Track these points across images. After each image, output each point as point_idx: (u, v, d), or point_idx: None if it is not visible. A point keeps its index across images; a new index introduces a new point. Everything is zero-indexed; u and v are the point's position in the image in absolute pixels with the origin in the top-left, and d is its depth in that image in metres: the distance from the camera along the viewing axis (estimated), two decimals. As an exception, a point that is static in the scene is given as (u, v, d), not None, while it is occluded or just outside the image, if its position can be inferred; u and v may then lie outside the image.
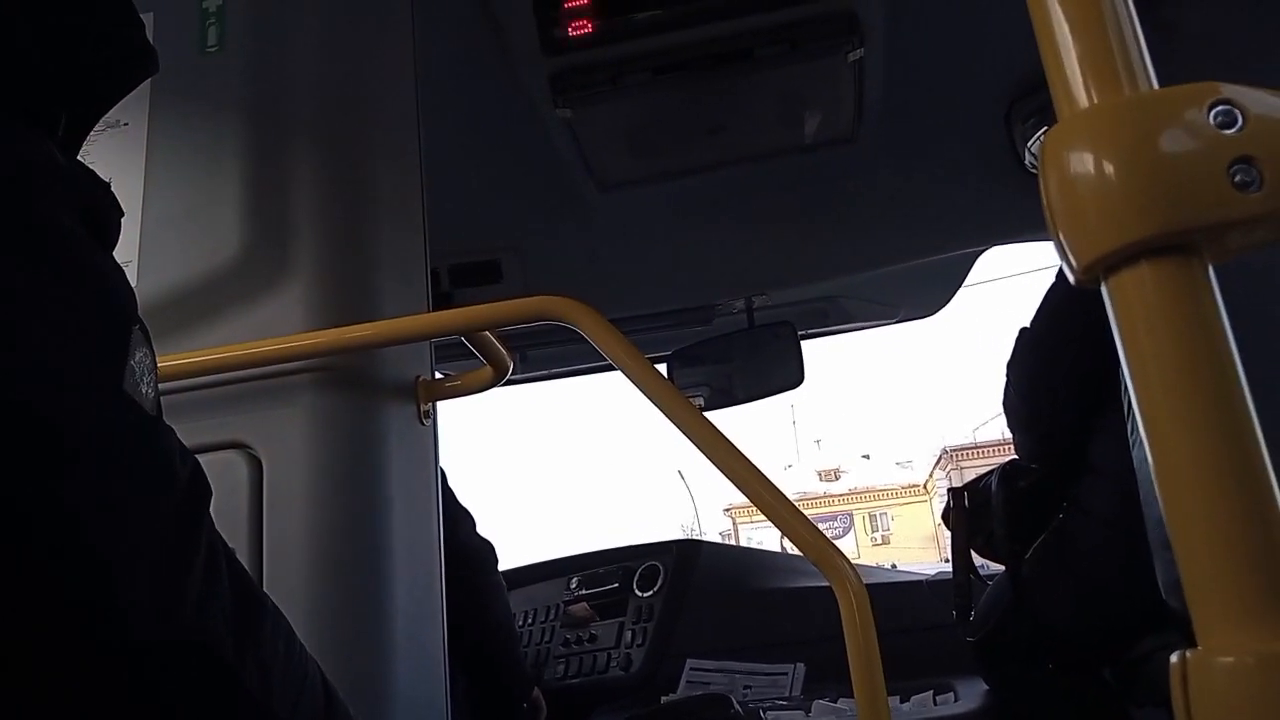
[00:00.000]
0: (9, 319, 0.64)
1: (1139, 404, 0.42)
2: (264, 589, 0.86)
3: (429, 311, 1.40)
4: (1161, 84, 0.43)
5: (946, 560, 2.17)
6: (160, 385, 0.76)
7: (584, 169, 2.16)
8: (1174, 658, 0.40)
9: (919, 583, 2.52)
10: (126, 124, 1.33)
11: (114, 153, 1.32)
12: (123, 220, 0.77)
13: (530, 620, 2.76)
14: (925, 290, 2.83)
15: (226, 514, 0.78)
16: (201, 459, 0.74)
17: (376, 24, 1.43)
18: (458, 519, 2.13)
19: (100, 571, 0.65)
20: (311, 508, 1.16)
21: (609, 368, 1.21)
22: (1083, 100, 0.43)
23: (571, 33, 1.75)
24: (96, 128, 0.97)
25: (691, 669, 2.45)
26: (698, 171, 2.23)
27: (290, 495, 1.17)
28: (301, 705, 0.78)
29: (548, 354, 2.77)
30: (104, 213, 0.72)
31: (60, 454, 0.64)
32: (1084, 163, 0.42)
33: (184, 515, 0.70)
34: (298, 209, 1.27)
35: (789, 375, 2.55)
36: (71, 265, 0.68)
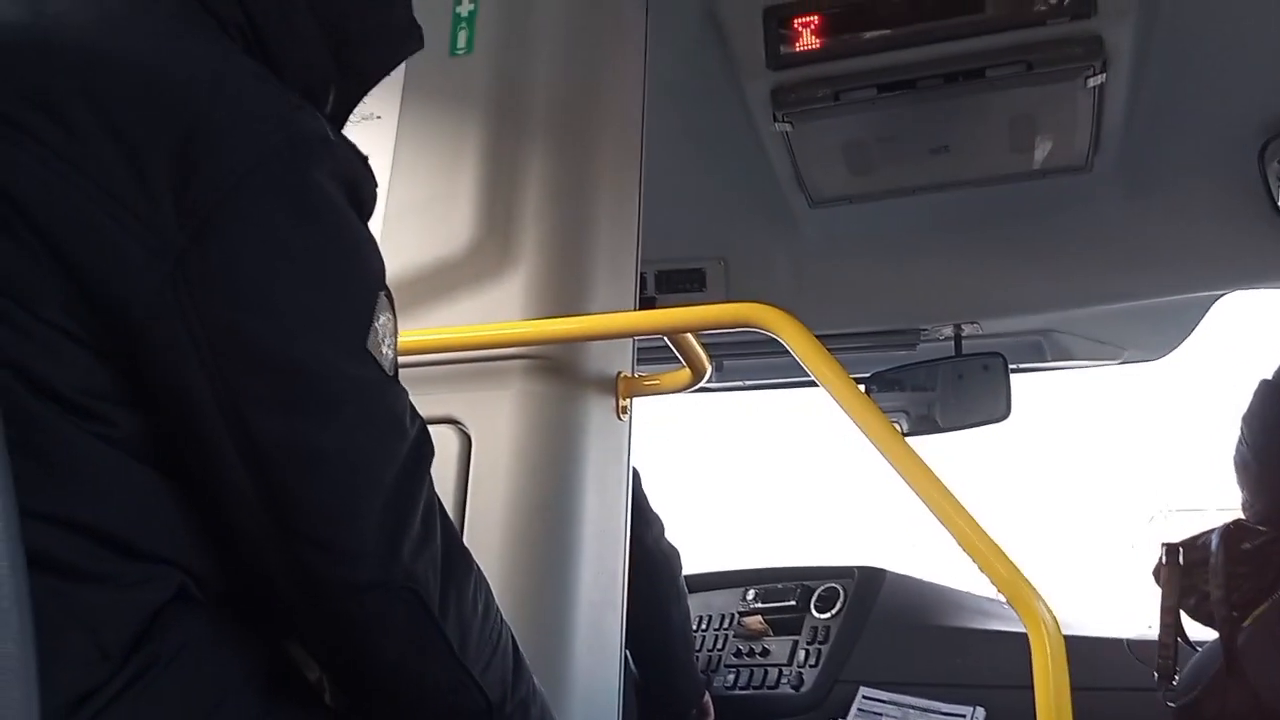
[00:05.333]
0: (281, 271, 0.71)
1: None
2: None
3: (635, 311, 1.45)
4: None
5: (1150, 626, 2.03)
6: None
7: (797, 183, 2.15)
8: None
9: (1119, 641, 2.36)
10: (379, 117, 1.44)
11: (366, 143, 1.42)
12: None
13: (704, 626, 2.77)
14: (1154, 332, 2.64)
15: (435, 483, 0.84)
16: None
17: (612, 35, 1.49)
18: (649, 522, 2.17)
19: (336, 513, 0.72)
20: (513, 485, 1.23)
21: (804, 384, 1.21)
22: None
23: (798, 48, 1.76)
24: (353, 119, 1.06)
25: (864, 697, 2.39)
26: (915, 192, 2.18)
27: (494, 472, 1.24)
28: (493, 666, 0.83)
29: (744, 365, 2.77)
30: (362, 185, 0.80)
31: (307, 400, 0.72)
32: None
33: (410, 469, 0.76)
34: (525, 205, 1.35)
35: (995, 408, 2.44)
36: (335, 229, 0.75)
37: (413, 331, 1.27)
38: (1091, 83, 1.74)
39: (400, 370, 0.82)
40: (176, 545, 0.72)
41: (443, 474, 1.23)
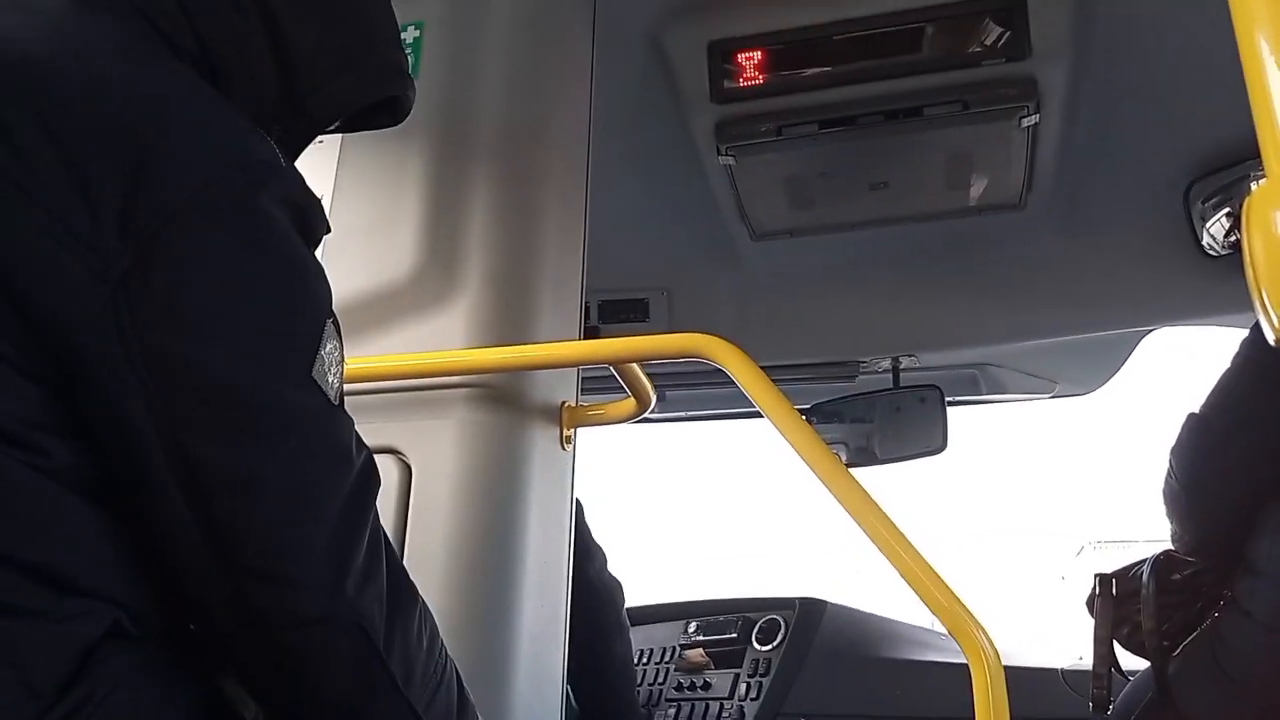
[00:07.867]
0: (226, 296, 0.70)
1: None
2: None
3: (580, 340, 1.44)
4: None
5: (1082, 657, 2.05)
6: None
7: (740, 216, 2.18)
8: None
9: (1054, 671, 2.39)
10: (321, 141, 1.42)
11: (307, 167, 1.41)
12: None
13: (645, 659, 2.75)
14: (1085, 367, 2.71)
15: (374, 514, 0.82)
16: None
17: (559, 64, 1.49)
18: (591, 554, 2.15)
19: (279, 544, 0.70)
20: (454, 516, 1.21)
21: (748, 415, 1.21)
22: None
23: (742, 83, 1.78)
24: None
25: (805, 730, 2.38)
26: (855, 226, 2.21)
27: (435, 502, 1.22)
28: (437, 701, 0.81)
29: (687, 395, 2.78)
30: (311, 213, 0.78)
31: (249, 428, 0.70)
32: None
33: (355, 500, 0.75)
34: (469, 232, 1.33)
35: (932, 440, 2.48)
36: (282, 254, 0.74)
37: (353, 359, 1.24)
38: (1025, 122, 1.79)
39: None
40: (111, 580, 0.69)
41: (382, 505, 1.20)
